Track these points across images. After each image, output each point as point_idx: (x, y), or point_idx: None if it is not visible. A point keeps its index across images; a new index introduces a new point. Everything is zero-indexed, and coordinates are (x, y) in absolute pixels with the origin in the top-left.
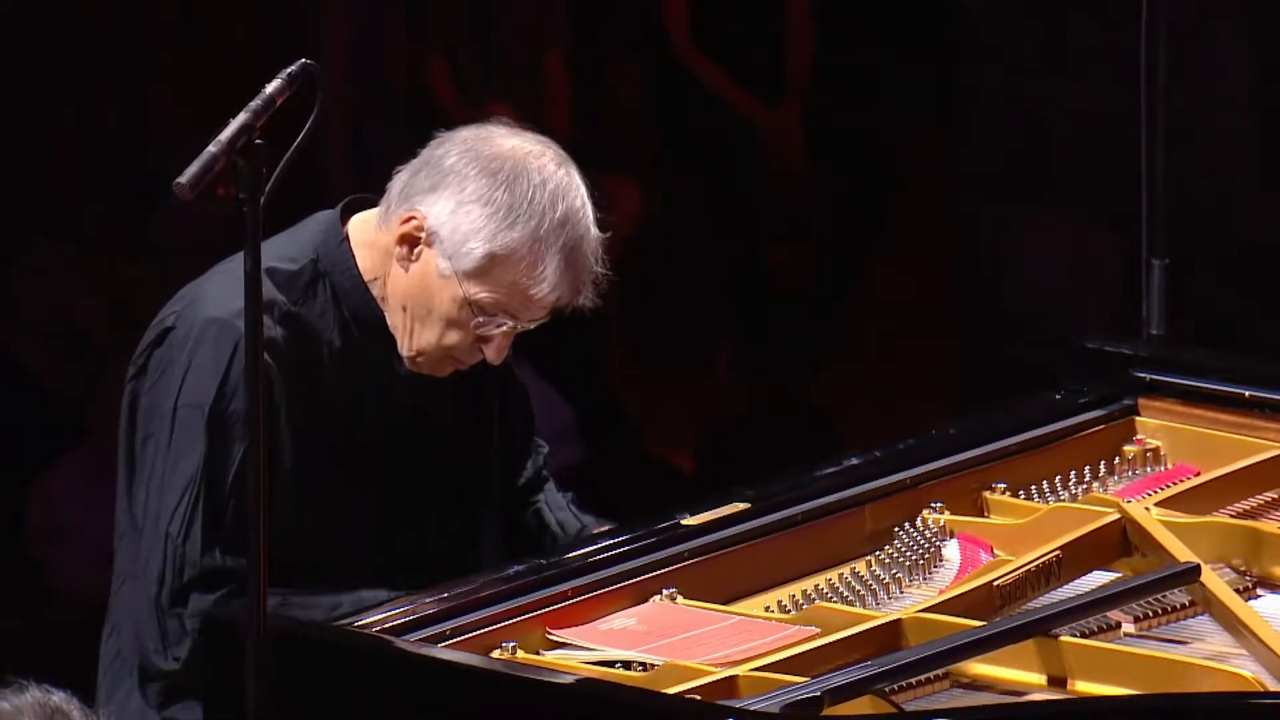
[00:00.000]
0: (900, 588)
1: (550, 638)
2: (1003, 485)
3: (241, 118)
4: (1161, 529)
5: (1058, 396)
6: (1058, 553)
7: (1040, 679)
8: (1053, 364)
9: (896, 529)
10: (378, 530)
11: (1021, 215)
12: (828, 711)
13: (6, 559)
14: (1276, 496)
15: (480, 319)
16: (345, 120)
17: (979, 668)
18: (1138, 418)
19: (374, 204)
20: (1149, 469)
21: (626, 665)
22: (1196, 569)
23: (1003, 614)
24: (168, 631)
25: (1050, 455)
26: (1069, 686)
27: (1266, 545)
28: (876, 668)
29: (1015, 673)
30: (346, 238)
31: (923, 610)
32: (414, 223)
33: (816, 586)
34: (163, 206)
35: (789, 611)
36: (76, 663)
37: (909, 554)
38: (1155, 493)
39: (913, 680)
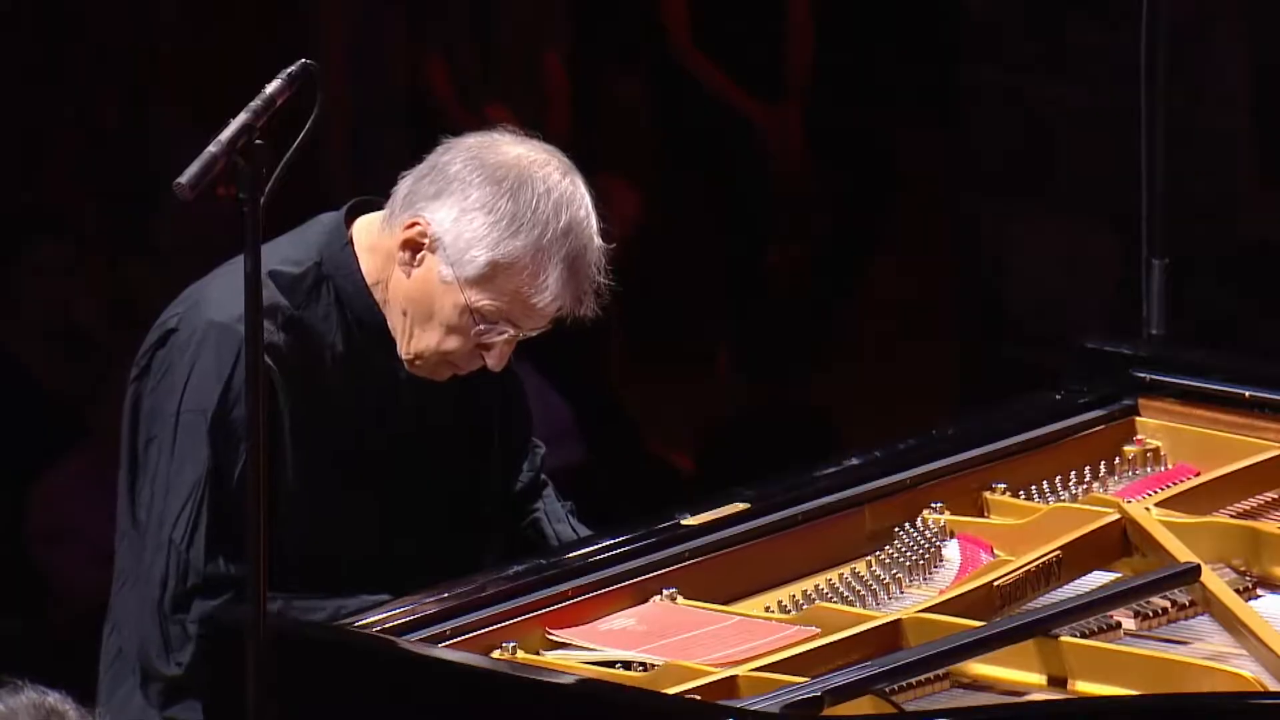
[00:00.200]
0: (900, 588)
1: (550, 638)
2: (1003, 485)
3: (241, 118)
4: (1161, 529)
5: (1058, 396)
6: (1058, 553)
7: (1040, 679)
8: (1053, 364)
9: (896, 529)
10: (380, 534)
11: (1021, 215)
12: (828, 711)
13: (7, 559)
14: (1276, 496)
15: (481, 326)
16: (345, 120)
17: (979, 668)
18: (1138, 418)
19: (378, 207)
20: (1149, 469)
21: (626, 665)
22: (1196, 569)
23: (1003, 614)
24: (170, 637)
25: (1050, 455)
26: (1069, 686)
27: (1266, 545)
28: (876, 668)
29: (1015, 673)
30: (351, 241)
31: (923, 610)
32: (417, 229)
33: (816, 587)
34: (163, 206)
35: (789, 612)
36: (77, 663)
37: (909, 554)
38: (1155, 493)
39: (913, 680)
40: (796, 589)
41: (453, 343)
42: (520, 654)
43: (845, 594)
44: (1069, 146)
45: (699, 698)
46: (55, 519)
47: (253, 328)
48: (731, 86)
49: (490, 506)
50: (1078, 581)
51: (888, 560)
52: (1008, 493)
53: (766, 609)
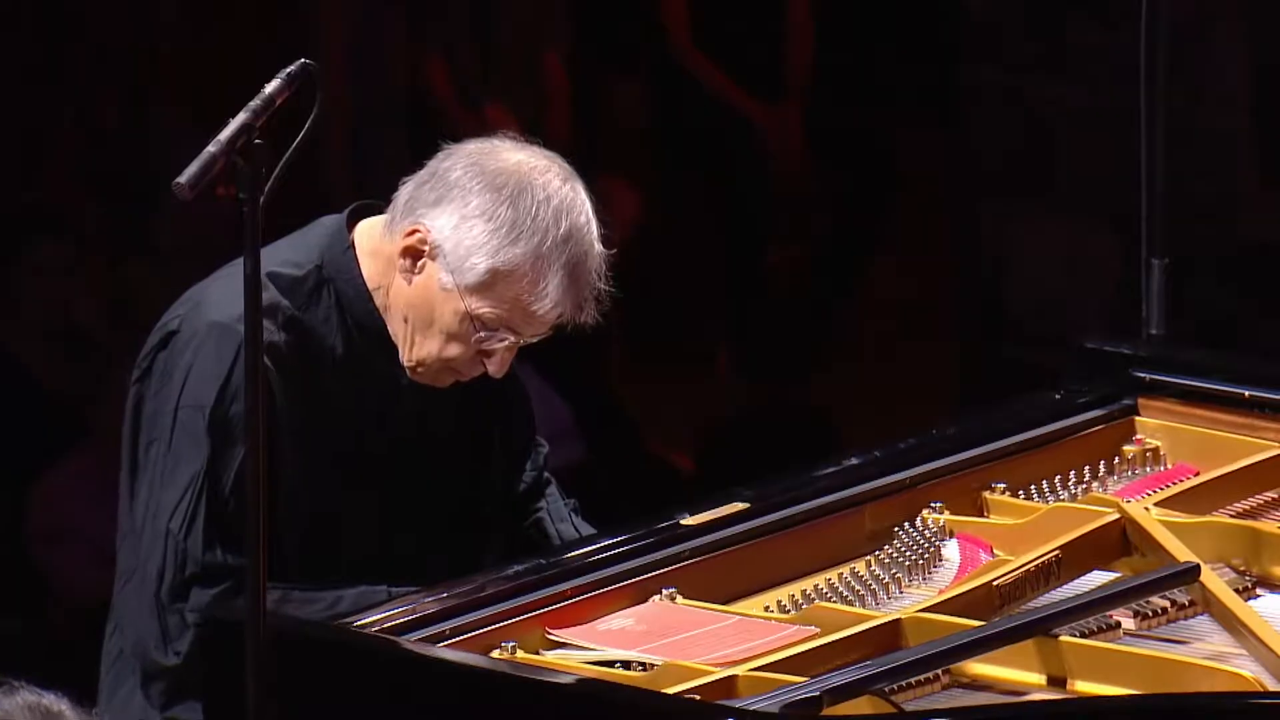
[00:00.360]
0: (900, 588)
1: (550, 638)
2: (1002, 485)
3: (241, 118)
4: (1161, 529)
5: (1058, 396)
6: (1057, 553)
7: (1040, 679)
8: (1053, 364)
9: (896, 529)
10: (380, 534)
11: (1021, 215)
12: (827, 711)
13: (7, 559)
14: (1276, 496)
15: (482, 334)
16: (345, 120)
17: (979, 668)
18: (1137, 418)
19: (380, 210)
20: (1149, 469)
21: (626, 665)
22: (1196, 569)
23: (1002, 614)
24: (168, 627)
25: (1050, 455)
26: (1069, 686)
27: (1266, 545)
28: (876, 668)
29: (1015, 673)
30: (352, 245)
31: (922, 610)
32: (417, 236)
33: (816, 586)
34: (163, 206)
35: (789, 611)
36: (77, 663)
37: (909, 554)
38: (1155, 493)
39: (912, 680)
40: (796, 589)
41: (454, 350)
42: (520, 654)
43: (845, 594)
44: (1069, 146)
45: (698, 697)
46: (55, 519)
47: (252, 327)
48: (731, 86)
49: (490, 507)
50: (1077, 581)
51: (887, 560)
52: (1007, 492)
53: (766, 609)
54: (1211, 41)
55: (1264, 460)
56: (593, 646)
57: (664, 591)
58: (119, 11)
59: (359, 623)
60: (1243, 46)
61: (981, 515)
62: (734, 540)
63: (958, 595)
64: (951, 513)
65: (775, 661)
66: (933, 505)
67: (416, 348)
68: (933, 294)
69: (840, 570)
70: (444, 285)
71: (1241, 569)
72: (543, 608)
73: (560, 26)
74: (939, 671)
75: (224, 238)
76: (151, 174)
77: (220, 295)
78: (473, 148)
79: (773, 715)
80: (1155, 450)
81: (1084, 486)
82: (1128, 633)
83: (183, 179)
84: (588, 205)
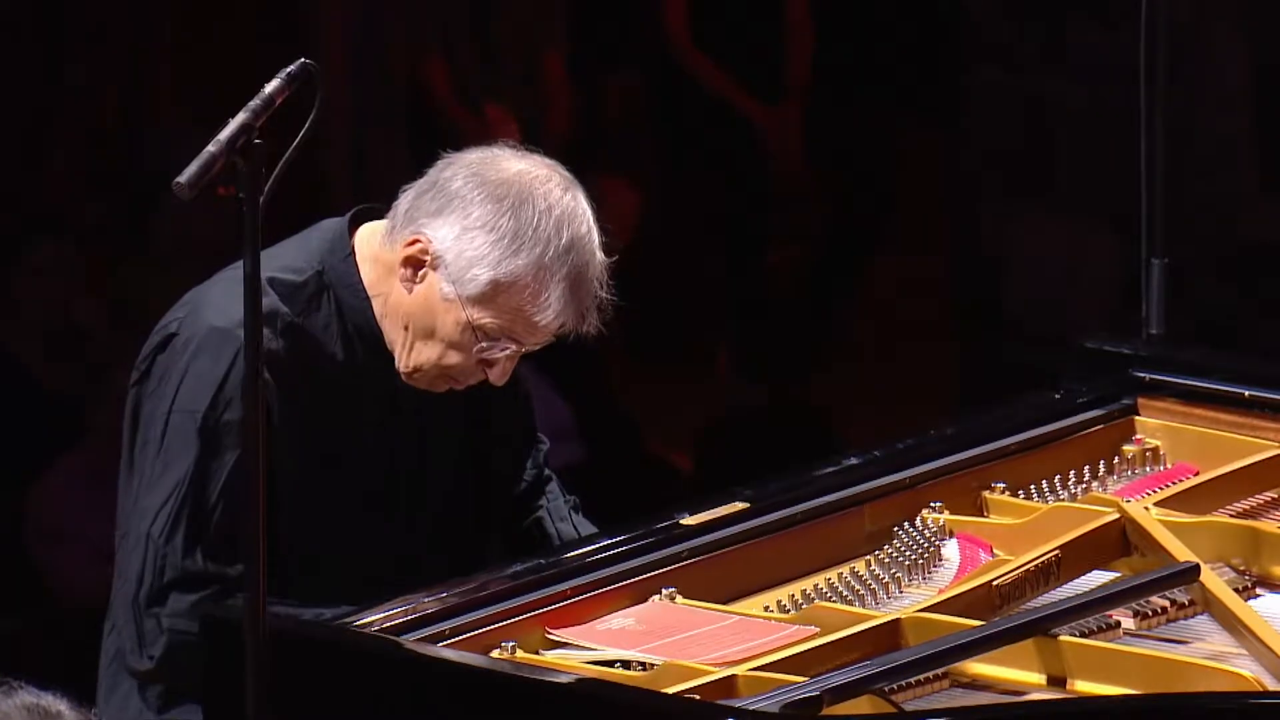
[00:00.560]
0: (900, 587)
1: (550, 637)
2: (1002, 485)
3: (241, 117)
4: (1161, 529)
5: (1058, 396)
6: (1057, 552)
7: (1040, 679)
8: (1053, 364)
9: (896, 529)
10: (379, 537)
11: (1021, 215)
12: (827, 711)
13: (7, 559)
14: (1276, 496)
15: (483, 344)
16: (345, 120)
17: (979, 667)
18: (1137, 417)
19: (381, 215)
20: (1149, 469)
21: (626, 665)
22: (1196, 569)
23: (1002, 614)
24: (144, 631)
25: (1050, 455)
26: (1068, 686)
27: (1266, 545)
28: (875, 667)
29: (1015, 672)
30: (353, 251)
31: (922, 610)
32: (419, 246)
33: (816, 586)
34: (163, 206)
35: (788, 611)
36: (76, 663)
37: (908, 554)
38: (1155, 492)
39: (912, 680)
40: (796, 588)
41: (454, 358)
42: (520, 654)
43: (844, 593)
44: (1069, 146)
45: (698, 697)
46: (55, 519)
47: (252, 329)
48: (731, 86)
49: (490, 508)
50: (1077, 581)
51: (887, 560)
52: (1007, 492)
53: (766, 608)
54: (1211, 41)
55: (1264, 460)
56: (593, 646)
57: (664, 591)
58: (119, 11)
59: (359, 622)
60: (1243, 46)
61: (981, 515)
62: (734, 540)
63: (958, 595)
64: (951, 512)
65: (775, 661)
66: (932, 505)
67: (415, 354)
68: (933, 294)
69: (840, 570)
70: (445, 295)
71: (1241, 569)
72: (543, 608)
73: (560, 26)
74: (939, 671)
75: (224, 238)
76: (151, 174)
77: (220, 299)
78: (474, 157)
79: (773, 715)
80: (1155, 450)
81: (1084, 486)
82: (1128, 632)
83: (183, 179)
84: (589, 214)
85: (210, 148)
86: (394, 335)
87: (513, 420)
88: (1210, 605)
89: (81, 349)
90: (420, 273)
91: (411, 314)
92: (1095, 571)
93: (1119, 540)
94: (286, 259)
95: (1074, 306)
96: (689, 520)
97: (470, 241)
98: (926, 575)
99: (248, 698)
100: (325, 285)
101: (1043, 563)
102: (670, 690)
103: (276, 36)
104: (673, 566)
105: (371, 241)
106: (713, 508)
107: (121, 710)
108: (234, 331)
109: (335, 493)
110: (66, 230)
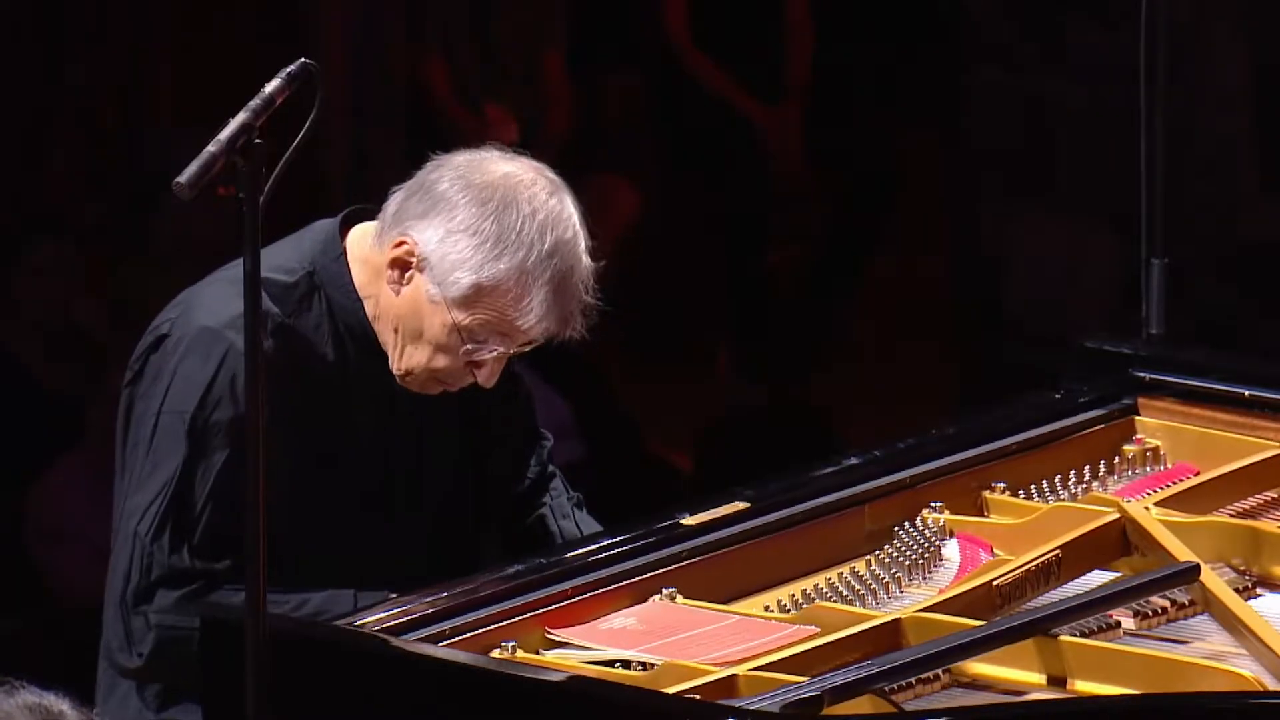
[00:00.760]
0: (900, 587)
1: (550, 637)
2: (1002, 485)
3: (241, 117)
4: (1161, 529)
5: (1058, 396)
6: (1057, 552)
7: (1040, 679)
8: (1053, 364)
9: (896, 528)
10: (376, 537)
11: (1021, 215)
12: (827, 711)
13: (6, 559)
14: (1276, 496)
15: (469, 346)
16: (345, 120)
17: (979, 667)
18: (1137, 417)
19: (374, 215)
20: (1149, 468)
21: (626, 665)
22: (1196, 568)
23: (1002, 614)
24: (132, 629)
25: (1050, 455)
26: (1069, 686)
27: (1266, 545)
28: (876, 667)
29: (1015, 672)
30: (344, 251)
31: (922, 610)
32: (405, 248)
33: (816, 586)
34: (163, 206)
35: (789, 611)
36: (77, 663)
37: (908, 553)
38: (1155, 492)
39: (912, 680)
40: (796, 588)
41: (442, 360)
42: (520, 653)
43: (845, 593)
44: (1069, 146)
45: (699, 697)
46: (55, 519)
47: (251, 329)
48: (731, 86)
49: (489, 506)
50: (1077, 581)
51: (887, 560)
52: (1007, 492)
53: (766, 608)
54: (1211, 41)
55: (1264, 460)
56: (593, 646)
57: (664, 591)
58: (119, 11)
59: (359, 623)
60: (1243, 46)
61: (981, 515)
62: (734, 540)
63: (958, 595)
64: (951, 512)
65: (775, 661)
66: (933, 505)
67: (406, 357)
68: (933, 294)
69: (840, 570)
70: (431, 297)
71: (1241, 569)
72: (543, 607)
73: (560, 26)
74: (939, 671)
75: (224, 238)
76: (151, 174)
77: (211, 299)
78: (461, 160)
79: (773, 715)
80: (1155, 450)
81: (1084, 486)
82: (1128, 632)
83: (183, 179)
84: (575, 218)
85: (210, 148)
86: (386, 338)
87: (512, 420)
88: (1210, 605)
89: (81, 349)
90: (407, 274)
91: (400, 316)
92: (1095, 571)
93: (1119, 540)
94: (278, 260)
95: (1074, 306)
96: (689, 520)
97: (454, 245)
98: (927, 575)
99: (248, 698)
100: (316, 286)
101: (1043, 563)
102: (670, 690)
103: (276, 36)
104: (673, 566)
105: (363, 243)
106: (713, 508)
107: (121, 710)
108: (224, 332)
109: (330, 493)
110: (66, 230)
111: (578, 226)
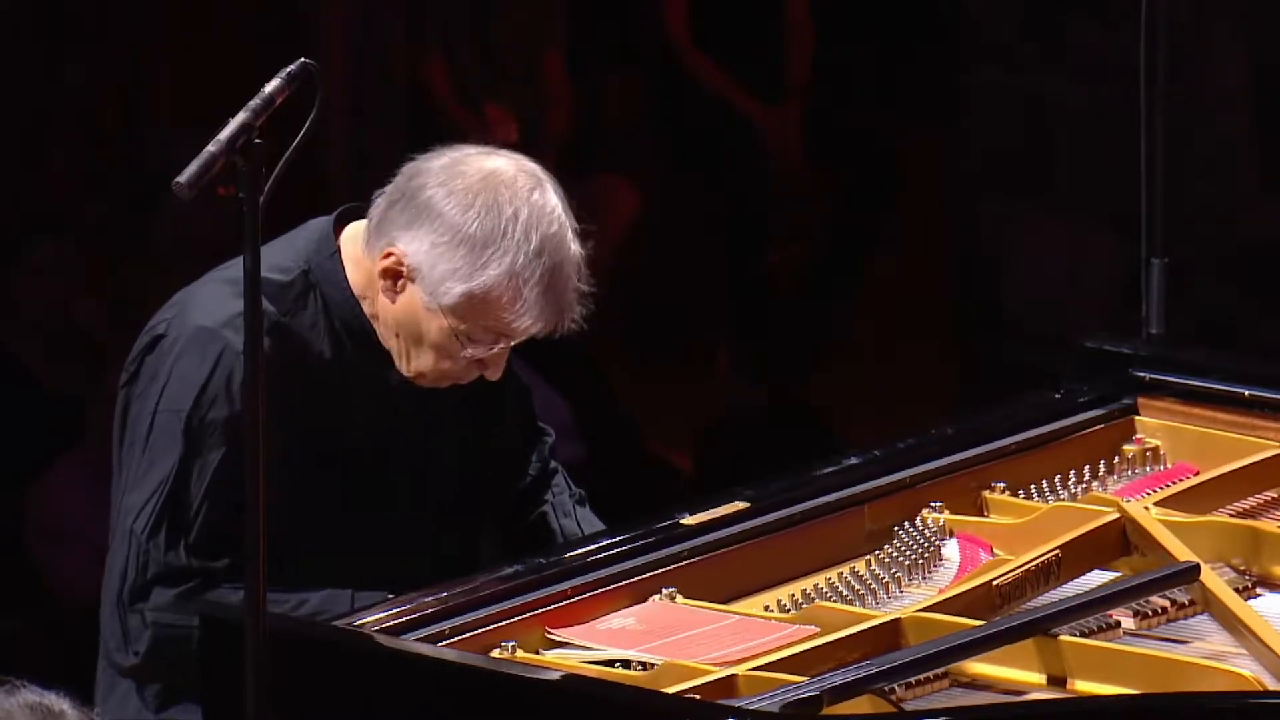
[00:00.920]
0: (900, 587)
1: (550, 637)
2: (1002, 485)
3: (241, 117)
4: (1161, 528)
5: (1058, 396)
6: (1057, 552)
7: (1040, 678)
8: (1053, 364)
9: (896, 528)
10: (376, 536)
11: (1021, 215)
12: (827, 711)
13: (6, 559)
14: (1276, 496)
15: (469, 350)
16: (345, 120)
17: (979, 667)
18: (1137, 417)
19: (366, 213)
20: (1149, 468)
21: (626, 665)
22: (1196, 568)
23: (1002, 613)
24: (129, 627)
25: (1050, 455)
26: (1069, 686)
27: (1266, 545)
28: (876, 667)
29: (1015, 672)
30: (339, 250)
31: (922, 610)
32: (393, 259)
33: (816, 586)
34: (163, 206)
35: (788, 611)
36: (77, 663)
37: (908, 553)
38: (1155, 492)
39: (912, 680)
40: (796, 588)
41: (446, 363)
42: (520, 653)
43: (844, 593)
44: (1069, 146)
45: (698, 697)
46: (55, 519)
47: (252, 328)
48: (731, 86)
49: (488, 505)
50: (1077, 581)
51: (887, 559)
52: (1007, 492)
53: (766, 608)
54: (1211, 41)
55: (1264, 460)
56: (593, 646)
57: (664, 591)
58: (119, 11)
59: (359, 623)
60: (1243, 46)
61: (981, 515)
62: (734, 540)
63: (958, 595)
64: (951, 512)
65: (775, 661)
66: (932, 505)
67: (413, 361)
68: (933, 294)
69: (840, 570)
70: (426, 305)
71: (1241, 569)
72: (543, 607)
73: (560, 26)
74: (939, 671)
75: (225, 237)
76: (151, 174)
77: (207, 299)
78: (440, 164)
79: (773, 715)
80: (1155, 450)
81: (1084, 486)
82: (1128, 632)
83: (183, 178)
84: (559, 209)
85: (210, 148)
86: (389, 343)
87: (508, 414)
88: (1210, 605)
89: (81, 349)
90: (400, 284)
91: (400, 322)
92: (1095, 571)
93: (1119, 540)
94: (273, 259)
95: (1074, 306)
96: (689, 520)
97: (441, 255)
98: (926, 575)
99: (247, 698)
100: (312, 284)
101: (1043, 562)
102: (670, 690)
103: (276, 36)
104: (673, 566)
105: (356, 242)
106: (713, 508)
107: (121, 709)
108: (219, 331)
109: (330, 491)
110: (66, 230)
111: (563, 217)
